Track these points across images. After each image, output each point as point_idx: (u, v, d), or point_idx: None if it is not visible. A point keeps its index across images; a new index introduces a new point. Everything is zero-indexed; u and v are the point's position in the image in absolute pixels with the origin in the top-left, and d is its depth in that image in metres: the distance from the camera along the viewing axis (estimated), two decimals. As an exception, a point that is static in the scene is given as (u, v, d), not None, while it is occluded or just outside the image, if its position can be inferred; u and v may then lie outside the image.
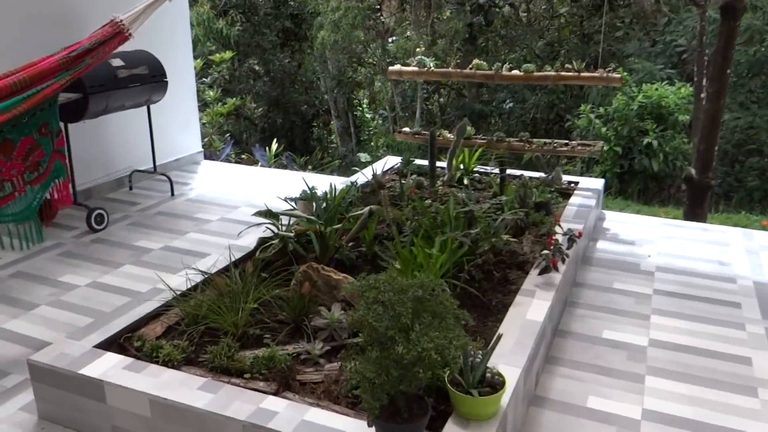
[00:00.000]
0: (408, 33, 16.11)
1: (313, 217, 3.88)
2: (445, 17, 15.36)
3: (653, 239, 4.99)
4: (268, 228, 3.91)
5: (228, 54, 9.94)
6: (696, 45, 6.46)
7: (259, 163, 8.02)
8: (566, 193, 5.23)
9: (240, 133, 22.66)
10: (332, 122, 18.34)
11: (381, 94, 17.04)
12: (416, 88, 15.43)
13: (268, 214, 3.91)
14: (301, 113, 20.95)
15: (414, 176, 5.62)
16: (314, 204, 4.37)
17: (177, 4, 6.51)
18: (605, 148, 7.75)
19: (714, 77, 5.97)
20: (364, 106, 17.76)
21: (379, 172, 5.69)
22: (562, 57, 16.30)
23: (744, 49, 9.62)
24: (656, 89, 7.83)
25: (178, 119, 6.62)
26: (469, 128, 5.76)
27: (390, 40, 16.78)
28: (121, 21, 3.58)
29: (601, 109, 8.01)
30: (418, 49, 5.76)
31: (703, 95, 6.33)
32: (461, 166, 5.57)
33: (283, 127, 21.52)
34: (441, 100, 18.02)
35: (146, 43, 5.94)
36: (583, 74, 5.19)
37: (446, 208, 3.88)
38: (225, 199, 5.81)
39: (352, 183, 5.11)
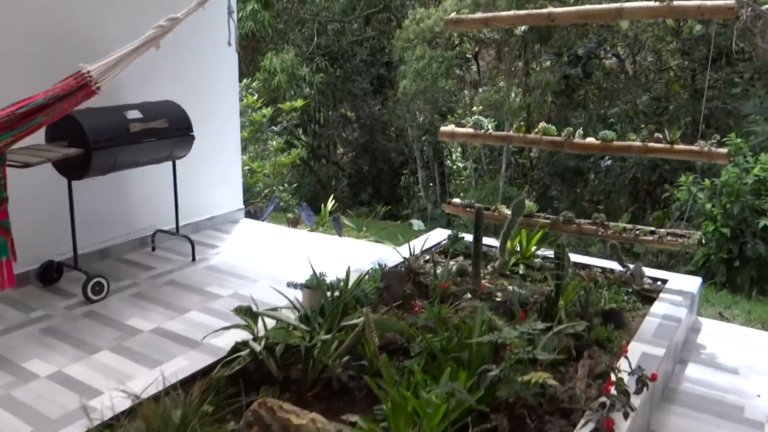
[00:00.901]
0: (501, 83, 15.21)
1: (298, 322, 3.04)
2: (539, 68, 14.33)
3: (764, 368, 3.73)
4: (248, 327, 3.11)
5: (299, 102, 9.46)
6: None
7: (305, 226, 7.31)
8: (649, 297, 4.08)
9: (329, 178, 22.53)
10: (418, 172, 17.60)
11: (470, 145, 16.15)
12: (504, 141, 14.39)
13: (248, 312, 3.11)
14: (390, 160, 20.43)
15: (459, 259, 4.67)
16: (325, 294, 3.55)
17: (223, 49, 6.02)
18: (709, 229, 6.41)
19: None
20: (456, 155, 16.91)
21: (420, 249, 4.80)
22: (669, 113, 14.78)
23: None
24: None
25: (216, 173, 6.06)
26: (529, 203, 4.76)
27: (481, 90, 15.95)
28: (88, 72, 2.98)
29: (707, 181, 6.68)
30: (474, 108, 4.87)
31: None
32: (518, 248, 4.56)
33: (370, 174, 21.09)
34: (532, 153, 16.87)
35: (185, 91, 5.45)
36: (677, 147, 4.09)
37: (469, 325, 2.92)
38: (248, 269, 5.10)
39: (379, 266, 4.24)
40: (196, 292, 4.61)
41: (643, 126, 15.32)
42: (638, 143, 4.20)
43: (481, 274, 4.30)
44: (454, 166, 17.68)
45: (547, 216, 4.66)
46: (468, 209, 4.95)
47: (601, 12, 4.23)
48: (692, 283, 4.30)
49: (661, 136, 4.16)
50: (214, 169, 6.03)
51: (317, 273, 3.66)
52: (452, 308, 3.57)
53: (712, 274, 6.71)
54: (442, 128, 4.96)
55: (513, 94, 14.71)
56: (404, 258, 4.34)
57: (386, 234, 9.30)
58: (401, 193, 20.62)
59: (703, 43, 13.14)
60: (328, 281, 3.73)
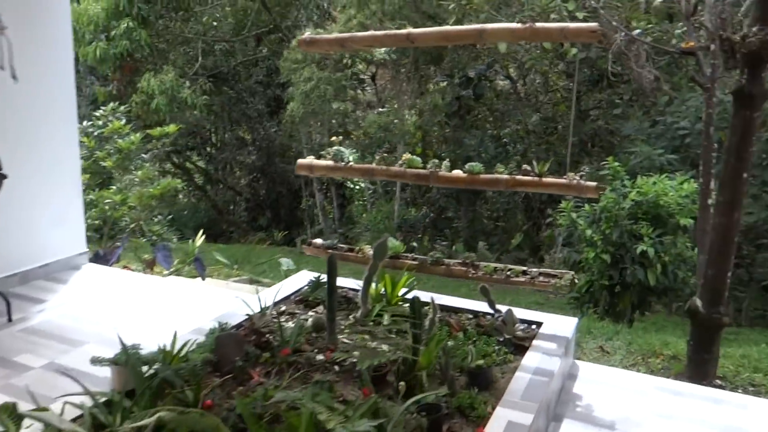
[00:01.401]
0: (396, 105, 14.93)
1: (98, 411, 2.36)
2: (431, 90, 14.18)
3: (642, 418, 3.39)
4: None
5: (172, 128, 8.64)
6: (702, 137, 4.98)
7: (162, 270, 6.53)
8: (521, 345, 3.67)
9: (225, 203, 21.46)
10: (316, 196, 16.99)
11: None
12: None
13: (12, 412, 2.39)
14: (289, 183, 19.66)
15: (321, 309, 4.11)
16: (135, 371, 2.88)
17: (59, 70, 5.22)
18: (590, 255, 6.21)
19: (726, 183, 4.28)
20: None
21: (275, 298, 4.21)
22: (558, 133, 15.02)
23: (757, 135, 8.18)
24: (654, 183, 6.34)
25: (49, 213, 5.21)
26: (397, 243, 4.28)
27: (376, 111, 15.63)
28: None
29: (587, 206, 6.51)
30: (334, 138, 4.35)
31: (710, 201, 4.81)
32: (383, 292, 4.06)
33: (268, 198, 20.26)
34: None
35: (4, 124, 4.61)
36: (545, 180, 3.73)
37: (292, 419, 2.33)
38: (77, 329, 4.30)
39: (219, 325, 3.61)
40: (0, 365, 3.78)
41: (535, 145, 15.56)
42: (506, 176, 3.81)
43: (341, 328, 3.76)
44: (356, 188, 17.25)
45: (414, 257, 4.19)
46: (329, 250, 4.41)
47: (463, 33, 3.84)
48: (567, 325, 3.94)
49: (529, 168, 3.80)
50: (47, 209, 5.17)
51: (127, 345, 2.98)
52: (296, 377, 2.99)
53: (595, 300, 6.53)
54: (300, 161, 4.40)
55: (407, 116, 14.50)
56: (248, 314, 3.72)
57: (268, 266, 8.65)
58: (302, 216, 19.94)
59: (586, 66, 13.41)
60: (146, 352, 3.06)
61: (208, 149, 20.99)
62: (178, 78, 12.09)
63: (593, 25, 3.46)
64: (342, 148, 4.31)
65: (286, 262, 5.45)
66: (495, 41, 3.92)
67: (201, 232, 7.03)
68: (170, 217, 9.07)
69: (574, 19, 6.95)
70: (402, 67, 14.31)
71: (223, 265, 7.64)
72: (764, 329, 9.93)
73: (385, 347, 3.50)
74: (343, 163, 4.26)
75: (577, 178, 3.67)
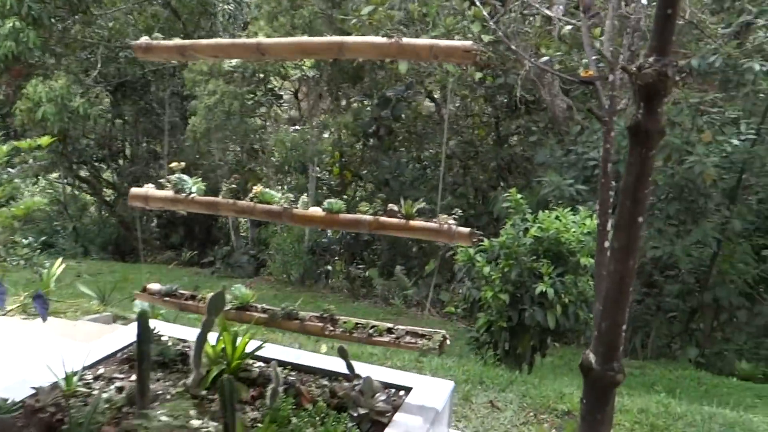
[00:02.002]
0: (315, 123, 14.24)
1: None
2: (348, 109, 13.61)
3: None
4: None
5: (45, 140, 7.62)
6: (600, 174, 4.53)
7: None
8: (379, 421, 3.02)
9: (134, 220, 20.10)
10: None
11: (277, 187, 14.98)
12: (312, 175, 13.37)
13: None
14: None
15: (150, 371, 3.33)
16: None
17: None
18: (488, 295, 5.68)
19: (622, 227, 3.64)
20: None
21: (94, 357, 3.41)
22: (479, 157, 14.73)
23: (662, 168, 8.01)
24: (556, 218, 5.91)
25: None
26: (245, 291, 3.57)
27: (292, 128, 14.90)
28: None
29: (486, 242, 6.00)
30: (174, 164, 3.62)
31: (606, 243, 4.33)
32: (222, 350, 3.33)
33: (182, 216, 19.12)
34: (356, 191, 16.06)
35: None
36: (413, 223, 3.12)
37: None
38: None
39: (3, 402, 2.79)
40: None
41: (455, 170, 15.24)
42: (369, 217, 3.19)
43: (168, 397, 3.01)
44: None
45: (265, 308, 3.49)
46: (167, 299, 3.64)
47: (321, 46, 3.20)
48: (441, 391, 3.33)
49: (396, 208, 3.19)
50: None
51: None
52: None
53: (495, 342, 6.01)
54: (133, 190, 3.64)
55: (325, 135, 13.87)
56: (35, 389, 2.92)
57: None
58: (218, 234, 18.88)
59: (504, 92, 13.19)
60: None
61: (121, 162, 19.71)
62: (69, 85, 10.98)
63: (467, 43, 2.89)
64: (185, 177, 3.58)
65: (139, 304, 4.65)
66: (357, 56, 3.32)
67: (60, 260, 6.08)
68: (43, 239, 8.04)
69: (480, 41, 6.50)
70: (322, 84, 13.68)
71: (90, 298, 6.71)
72: (669, 361, 9.80)
73: (212, 428, 2.79)
74: (184, 195, 3.53)
75: (450, 222, 3.09)
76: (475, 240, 3.07)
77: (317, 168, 14.28)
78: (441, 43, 2.95)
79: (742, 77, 7.87)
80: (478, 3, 5.60)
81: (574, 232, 5.76)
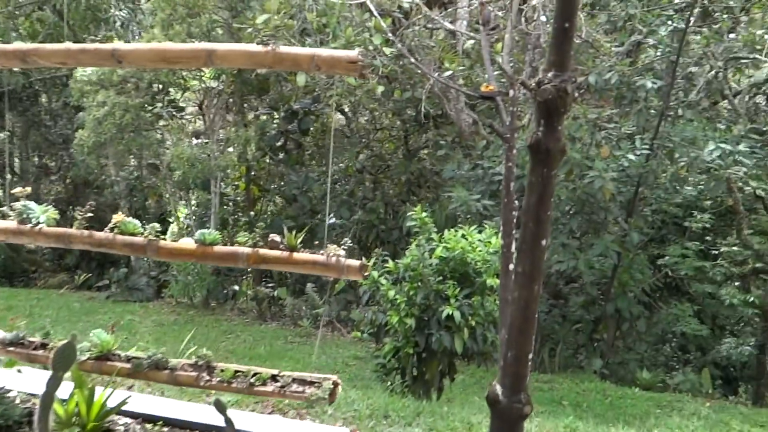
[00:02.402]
0: (219, 137, 13.52)
1: None
2: (254, 122, 13.05)
3: None
4: None
5: None
6: (503, 194, 4.33)
7: None
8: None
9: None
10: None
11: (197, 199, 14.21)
12: (213, 197, 12.68)
13: None
14: (99, 219, 17.39)
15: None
16: None
17: None
18: (394, 320, 5.37)
19: (525, 250, 3.39)
20: (185, 211, 14.64)
21: None
22: (390, 170, 14.52)
23: (564, 183, 8.05)
24: (463, 236, 5.69)
25: None
26: (106, 337, 3.04)
27: (196, 142, 14.13)
28: None
29: (391, 263, 5.69)
30: (18, 190, 3.05)
31: (511, 266, 4.12)
32: (76, 409, 2.80)
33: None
34: (264, 206, 15.40)
35: None
36: (297, 256, 2.74)
37: None
38: None
39: None
40: None
41: (366, 184, 14.95)
42: (247, 250, 2.77)
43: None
44: (184, 223, 15.48)
45: (129, 357, 2.98)
46: (14, 349, 3.05)
47: (186, 54, 2.77)
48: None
49: (278, 239, 2.79)
50: None
51: None
52: None
53: (402, 368, 5.69)
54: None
55: (231, 149, 13.22)
56: None
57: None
58: (116, 255, 17.63)
59: (411, 105, 13.05)
60: None
61: (9, 177, 18.09)
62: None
63: (352, 54, 2.56)
64: (31, 204, 3.02)
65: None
66: (228, 65, 2.92)
67: None
68: None
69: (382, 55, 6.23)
70: (225, 97, 13.03)
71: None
72: (576, 372, 9.90)
73: None
74: (30, 225, 2.97)
75: (339, 254, 2.73)
76: (366, 273, 2.72)
77: (222, 183, 13.58)
78: (323, 52, 2.60)
79: (635, 94, 8.08)
80: (376, 14, 5.32)
81: (480, 251, 5.56)
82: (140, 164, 13.84)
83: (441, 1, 9.87)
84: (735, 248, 10.34)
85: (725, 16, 8.07)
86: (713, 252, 10.88)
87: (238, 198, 15.44)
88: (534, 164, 3.60)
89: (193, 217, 13.93)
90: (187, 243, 2.89)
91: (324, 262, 2.69)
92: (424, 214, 5.89)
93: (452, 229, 5.77)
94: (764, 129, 10.28)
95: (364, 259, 2.89)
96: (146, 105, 10.53)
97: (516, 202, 4.32)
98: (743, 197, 10.05)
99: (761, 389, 10.07)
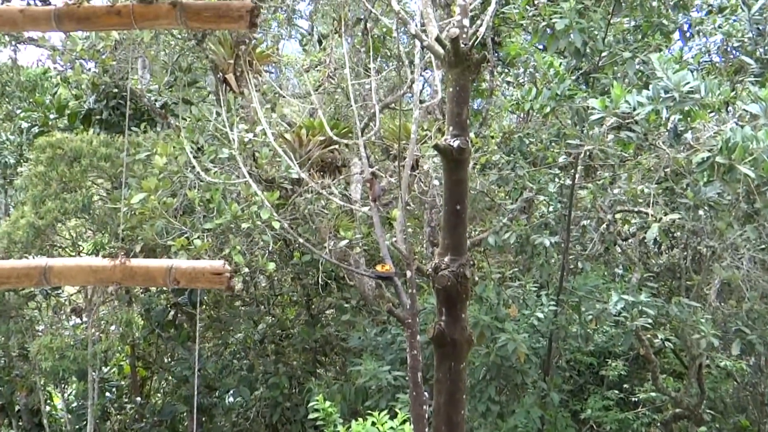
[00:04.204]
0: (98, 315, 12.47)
1: None
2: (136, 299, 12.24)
3: None
4: None
5: None
6: (410, 388, 3.97)
7: None
8: None
9: None
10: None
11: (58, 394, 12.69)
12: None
13: None
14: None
15: None
16: None
17: None
18: None
19: None
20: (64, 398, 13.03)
21: None
22: (293, 338, 13.89)
23: (475, 349, 7.88)
24: (373, 424, 5.20)
25: None
26: None
27: (72, 322, 12.97)
28: None
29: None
30: None
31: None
32: None
33: None
34: (155, 386, 14.07)
35: None
36: None
37: None
38: None
39: None
40: None
41: (268, 356, 14.11)
42: None
43: None
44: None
45: None
46: None
47: (17, 272, 2.36)
48: None
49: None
50: None
51: None
52: None
53: None
54: None
55: (113, 327, 12.21)
56: None
57: None
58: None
59: (312, 269, 12.83)
60: None
61: None
62: None
63: (217, 264, 2.27)
64: None
65: None
66: (67, 284, 2.55)
67: None
68: None
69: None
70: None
71: None
72: None
73: None
74: None
75: None
76: None
77: (103, 368, 12.39)
78: (182, 264, 2.28)
79: (536, 248, 8.32)
80: (259, 192, 5.17)
81: (393, 443, 5.07)
82: (7, 352, 12.44)
83: (334, 165, 10.10)
84: (653, 394, 10.41)
85: (606, 173, 8.71)
86: (633, 399, 10.92)
87: (123, 382, 14.14)
88: (440, 359, 3.31)
89: (68, 413, 12.47)
90: None
91: None
92: (327, 404, 5.40)
93: (359, 420, 5.28)
94: (657, 271, 10.88)
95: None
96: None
97: (426, 394, 3.97)
98: (652, 343, 10.31)
99: None
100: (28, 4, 7.64)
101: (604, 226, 8.44)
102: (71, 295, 15.26)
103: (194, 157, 6.87)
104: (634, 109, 5.29)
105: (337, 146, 10.18)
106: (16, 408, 13.30)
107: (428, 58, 7.95)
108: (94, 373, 11.54)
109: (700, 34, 8.11)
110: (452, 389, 3.44)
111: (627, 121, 5.76)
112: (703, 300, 9.65)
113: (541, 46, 7.99)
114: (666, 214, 6.52)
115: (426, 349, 7.54)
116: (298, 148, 9.44)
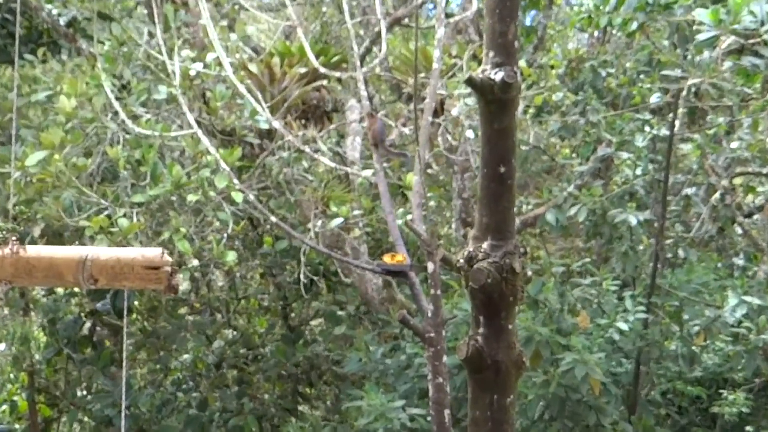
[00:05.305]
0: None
1: None
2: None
3: None
4: None
5: None
6: (433, 418, 4.06)
7: None
8: None
9: None
10: None
11: None
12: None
13: None
14: None
15: None
16: None
17: None
18: None
19: None
20: None
21: None
22: (265, 361, 14.17)
23: (529, 375, 8.01)
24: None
25: None
26: None
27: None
28: None
29: None
30: None
31: None
32: None
33: None
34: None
35: None
36: None
37: None
38: None
39: None
40: None
41: (227, 386, 14.42)
42: None
43: None
44: None
45: None
46: None
47: None
48: None
49: None
50: None
51: None
52: None
53: None
54: None
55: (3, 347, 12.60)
56: None
57: None
58: None
59: (291, 260, 12.98)
60: None
61: None
62: None
63: (152, 254, 2.31)
64: None
65: None
66: None
67: None
68: None
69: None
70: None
71: None
72: None
73: None
74: None
75: None
76: None
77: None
78: (101, 254, 2.33)
79: (617, 229, 8.37)
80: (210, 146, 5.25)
81: None
82: None
83: (321, 110, 10.15)
84: (788, 439, 10.57)
85: (720, 118, 8.70)
86: (758, 448, 11.10)
87: (17, 425, 14.54)
88: (477, 390, 3.38)
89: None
90: None
91: None
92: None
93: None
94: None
95: None
96: None
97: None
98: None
99: None
100: None
101: (717, 196, 8.44)
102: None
103: (117, 99, 6.90)
104: (762, 24, 5.27)
105: (325, 82, 10.20)
106: None
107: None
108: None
109: None
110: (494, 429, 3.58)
111: (752, 41, 5.75)
112: None
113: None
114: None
115: (456, 375, 7.65)
116: (269, 85, 9.47)
